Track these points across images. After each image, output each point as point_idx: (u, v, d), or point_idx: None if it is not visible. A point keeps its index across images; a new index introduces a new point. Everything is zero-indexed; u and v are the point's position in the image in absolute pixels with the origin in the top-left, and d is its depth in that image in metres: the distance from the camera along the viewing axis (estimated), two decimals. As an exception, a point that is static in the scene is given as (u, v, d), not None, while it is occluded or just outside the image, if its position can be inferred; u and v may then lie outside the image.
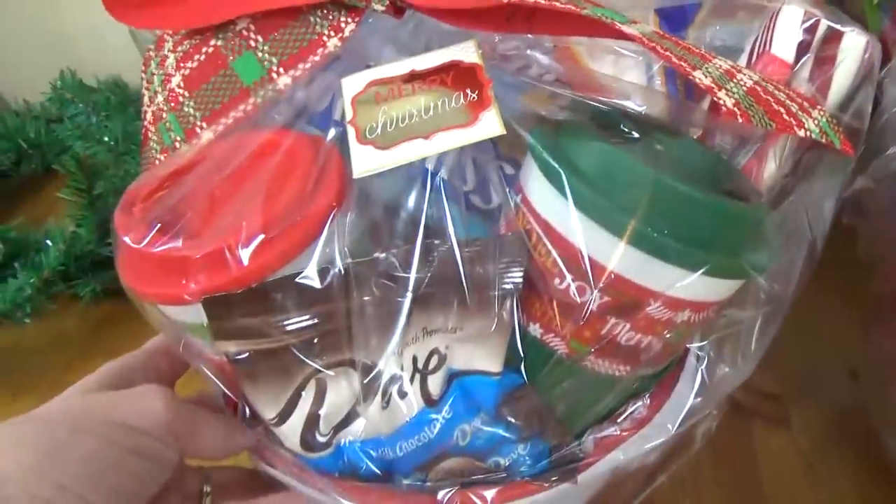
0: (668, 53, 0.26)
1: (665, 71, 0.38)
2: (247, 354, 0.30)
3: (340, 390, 0.31)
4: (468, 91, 0.30)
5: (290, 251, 0.29)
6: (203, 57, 0.35)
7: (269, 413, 0.31)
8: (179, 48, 0.35)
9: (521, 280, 0.29)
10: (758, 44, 0.33)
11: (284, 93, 0.34)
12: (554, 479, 0.30)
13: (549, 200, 0.28)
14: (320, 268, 0.29)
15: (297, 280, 0.29)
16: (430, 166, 0.31)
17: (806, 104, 0.28)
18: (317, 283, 0.29)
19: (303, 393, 0.31)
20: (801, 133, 0.27)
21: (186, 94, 0.35)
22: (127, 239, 0.30)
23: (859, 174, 0.32)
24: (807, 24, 0.31)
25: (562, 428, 0.31)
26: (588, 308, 0.28)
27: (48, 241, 0.59)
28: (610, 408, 0.31)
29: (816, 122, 0.28)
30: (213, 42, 0.34)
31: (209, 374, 0.33)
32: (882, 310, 0.37)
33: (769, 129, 0.27)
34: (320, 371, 0.31)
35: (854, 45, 0.31)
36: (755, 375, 0.34)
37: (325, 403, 0.31)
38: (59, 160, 0.65)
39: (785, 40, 0.32)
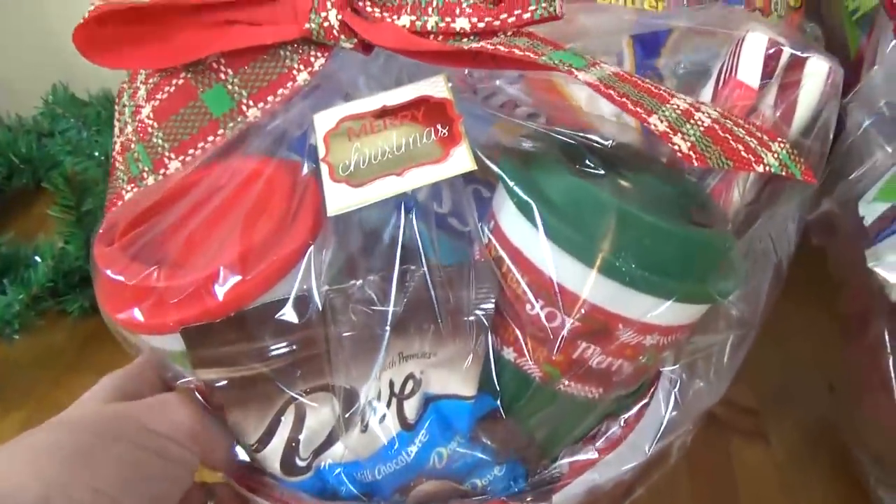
0: (623, 100, 0.27)
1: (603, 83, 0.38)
2: (226, 382, 0.31)
3: (320, 415, 0.32)
4: (439, 127, 0.31)
5: (267, 283, 0.30)
6: (173, 89, 0.35)
7: (250, 439, 0.32)
8: (150, 80, 0.36)
9: (493, 306, 0.30)
10: (724, 69, 0.33)
11: (254, 124, 0.35)
12: (529, 499, 0.31)
13: (519, 229, 0.29)
14: (297, 296, 0.30)
15: (276, 307, 0.30)
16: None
17: (765, 138, 0.29)
18: (293, 317, 0.30)
19: (282, 418, 0.32)
20: (760, 169, 0.28)
21: (156, 124, 0.35)
22: (108, 271, 0.31)
23: (825, 196, 0.33)
24: (771, 51, 0.32)
25: (537, 450, 0.31)
26: (561, 334, 0.28)
27: (37, 258, 0.59)
28: (585, 429, 0.32)
29: (776, 155, 0.28)
30: (183, 75, 0.35)
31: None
32: (850, 329, 0.38)
33: (727, 168, 0.28)
34: (299, 397, 0.32)
35: (817, 71, 0.32)
36: (733, 390, 0.35)
37: (305, 428, 0.32)
38: (49, 175, 0.65)
39: (750, 66, 0.32)
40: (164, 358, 0.33)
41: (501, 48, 0.28)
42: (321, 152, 0.31)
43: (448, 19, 0.30)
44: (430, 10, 0.30)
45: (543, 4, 0.29)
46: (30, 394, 0.57)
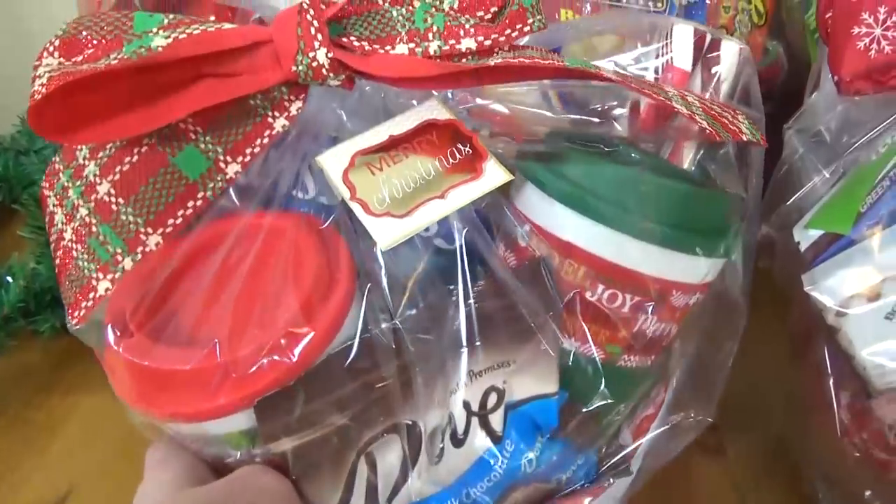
0: (646, 90, 0.30)
1: (559, 95, 0.42)
2: (295, 450, 0.29)
3: (389, 459, 0.31)
4: (460, 146, 0.31)
5: (331, 333, 0.29)
6: (136, 158, 0.32)
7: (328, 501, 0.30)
8: (101, 154, 0.32)
9: (554, 302, 0.31)
10: (660, 59, 0.38)
11: (235, 181, 0.33)
12: (611, 479, 0.33)
13: (566, 222, 0.30)
14: (362, 339, 0.29)
15: (343, 355, 0.29)
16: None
17: (733, 112, 0.34)
18: (364, 361, 0.29)
19: (356, 474, 0.30)
20: (744, 138, 0.32)
21: (121, 200, 0.31)
22: (139, 360, 0.27)
23: (764, 222, 0.37)
24: (696, 39, 0.38)
25: (607, 430, 0.33)
26: (623, 312, 0.30)
27: (9, 278, 0.58)
28: (643, 398, 0.34)
29: (745, 126, 0.33)
30: (146, 141, 0.32)
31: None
32: (797, 348, 0.40)
33: (727, 140, 0.32)
34: (368, 446, 0.30)
35: (730, 49, 0.38)
36: (695, 404, 0.36)
37: (380, 476, 0.31)
38: (26, 194, 0.65)
39: (682, 53, 0.37)
40: (211, 443, 0.29)
41: (524, 60, 0.30)
42: (344, 192, 0.30)
43: (452, 41, 0.30)
44: (430, 35, 0.31)
45: (539, 17, 0.31)
46: (2, 413, 0.56)
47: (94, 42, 0.31)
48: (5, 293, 0.57)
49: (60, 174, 0.33)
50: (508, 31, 0.31)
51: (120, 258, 0.31)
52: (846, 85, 0.32)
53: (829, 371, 0.34)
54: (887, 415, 0.32)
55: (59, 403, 0.57)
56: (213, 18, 0.36)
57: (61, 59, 0.30)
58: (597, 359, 0.32)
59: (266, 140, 0.32)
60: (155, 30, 0.31)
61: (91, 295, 0.30)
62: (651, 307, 0.31)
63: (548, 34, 0.43)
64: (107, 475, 0.52)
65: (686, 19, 0.58)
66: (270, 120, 0.32)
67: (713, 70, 0.38)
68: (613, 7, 0.58)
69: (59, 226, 0.32)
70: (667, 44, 0.37)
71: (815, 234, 0.33)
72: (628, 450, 0.33)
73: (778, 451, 0.47)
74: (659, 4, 0.58)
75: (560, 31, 0.43)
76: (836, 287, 0.32)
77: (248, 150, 0.32)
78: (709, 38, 0.37)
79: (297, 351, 0.27)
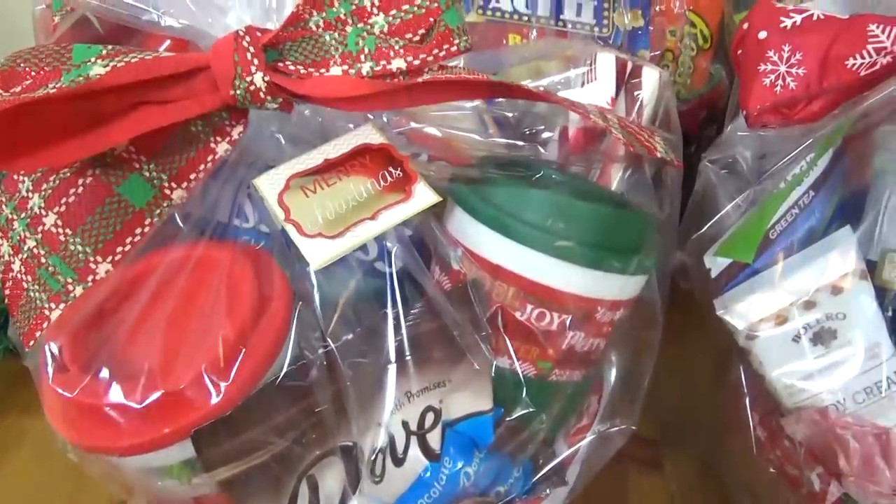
0: (573, 106, 0.32)
1: (494, 119, 0.43)
2: (235, 478, 0.29)
3: (330, 480, 0.32)
4: (391, 169, 0.32)
5: (268, 361, 0.29)
6: (81, 189, 0.32)
7: (273, 529, 0.31)
8: (44, 186, 0.33)
9: (483, 323, 0.32)
10: (584, 80, 0.40)
11: (181, 207, 0.33)
12: (548, 490, 0.34)
13: (495, 246, 0.32)
14: (299, 364, 0.30)
15: (280, 383, 0.29)
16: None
17: (649, 132, 0.36)
18: (299, 384, 0.30)
19: (297, 497, 0.31)
20: (658, 155, 0.34)
21: (69, 231, 0.32)
22: (75, 395, 0.28)
23: (679, 249, 0.38)
24: (618, 65, 0.39)
25: (543, 442, 0.34)
26: (552, 330, 0.32)
27: None
28: (575, 410, 0.36)
29: (661, 145, 0.35)
30: (89, 172, 0.32)
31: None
32: (717, 369, 0.40)
33: (644, 155, 0.34)
34: (309, 469, 0.31)
35: (650, 75, 0.40)
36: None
37: (322, 498, 0.31)
38: None
39: (606, 80, 0.39)
40: (152, 475, 0.30)
41: (451, 76, 0.31)
42: (279, 214, 0.31)
43: (384, 62, 0.32)
44: (362, 57, 0.32)
45: (465, 38, 0.32)
46: None
47: (33, 73, 0.31)
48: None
49: (3, 206, 0.33)
50: (436, 51, 0.33)
51: (71, 287, 0.31)
52: (753, 118, 0.34)
53: (745, 391, 0.36)
54: (797, 432, 0.34)
55: (11, 425, 0.57)
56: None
57: (1, 91, 0.31)
58: (529, 375, 0.33)
59: (210, 164, 0.33)
60: (93, 59, 0.31)
61: (44, 324, 0.31)
62: (578, 324, 0.32)
63: (492, 57, 0.45)
64: (59, 496, 0.52)
65: (631, 44, 0.60)
66: (213, 145, 0.33)
67: (636, 94, 0.40)
68: (559, 32, 0.60)
69: (6, 258, 0.33)
70: (591, 69, 0.39)
71: (725, 261, 0.34)
72: (561, 457, 0.35)
73: (711, 466, 0.49)
74: (605, 30, 0.61)
75: (503, 56, 0.45)
76: (745, 311, 0.34)
77: (193, 176, 0.33)
78: (630, 65, 0.39)
79: (232, 380, 0.28)
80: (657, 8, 0.62)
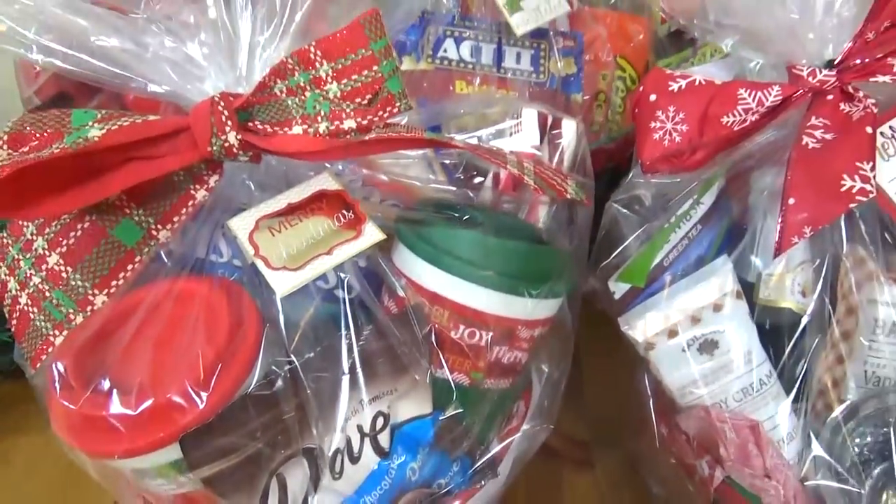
0: (487, 156, 0.39)
1: (441, 165, 0.50)
2: (216, 475, 0.35)
3: (296, 477, 0.37)
4: (344, 212, 0.39)
5: (241, 376, 0.35)
6: (80, 232, 0.38)
7: (246, 518, 0.36)
8: (47, 230, 0.38)
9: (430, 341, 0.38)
10: (511, 132, 0.47)
11: (166, 245, 0.39)
12: (483, 481, 0.40)
13: (432, 277, 0.38)
14: (268, 379, 0.36)
15: (252, 394, 0.35)
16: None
17: (562, 176, 0.42)
18: (267, 393, 0.36)
19: (269, 492, 0.37)
20: (569, 196, 0.41)
21: (69, 269, 0.38)
22: (79, 407, 0.33)
23: (590, 276, 0.44)
24: (540, 119, 0.46)
25: (477, 440, 0.40)
26: (481, 346, 0.38)
27: None
28: (505, 413, 0.42)
29: (572, 187, 0.42)
30: (87, 218, 0.38)
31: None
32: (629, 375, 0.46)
33: (553, 196, 0.40)
34: (279, 467, 0.37)
35: (569, 127, 0.47)
36: (567, 423, 0.44)
37: (289, 493, 0.37)
38: None
39: (530, 131, 0.46)
40: (144, 475, 0.35)
41: (393, 134, 0.37)
42: (249, 250, 0.37)
43: (337, 122, 0.38)
44: (319, 118, 0.38)
45: (405, 101, 0.39)
46: None
47: (38, 135, 0.37)
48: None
49: (10, 248, 0.39)
50: (381, 112, 0.39)
51: (72, 316, 0.37)
52: (647, 167, 0.41)
53: (649, 394, 0.43)
54: (689, 427, 0.40)
55: (1, 442, 0.62)
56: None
57: (10, 151, 0.36)
58: (463, 384, 0.39)
59: (190, 208, 0.39)
60: (90, 123, 0.37)
61: (49, 349, 0.36)
62: (501, 340, 0.39)
63: (440, 108, 0.51)
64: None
65: (565, 88, 0.67)
66: (193, 192, 0.39)
67: (557, 143, 0.47)
68: (501, 79, 0.67)
69: (14, 292, 0.38)
70: (518, 122, 0.46)
71: (626, 287, 0.41)
72: (493, 453, 0.41)
73: (634, 463, 0.54)
74: (541, 76, 0.68)
75: (449, 107, 0.52)
76: (643, 327, 0.40)
77: (176, 219, 0.39)
78: (551, 118, 0.46)
79: (211, 391, 0.33)
80: (587, 57, 0.69)
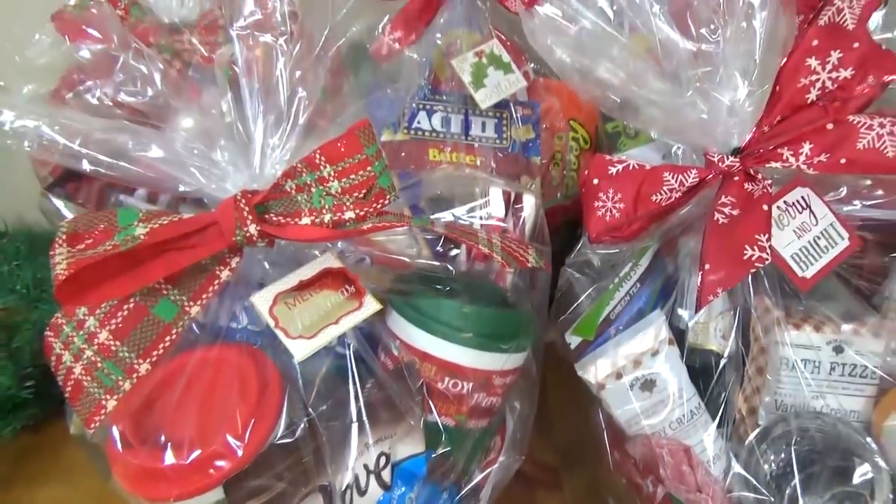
0: (460, 237, 0.47)
1: (425, 240, 0.58)
2: (252, 509, 0.43)
3: (314, 510, 0.45)
4: (347, 287, 0.47)
5: (271, 430, 0.43)
6: (126, 312, 0.45)
7: (273, 546, 0.44)
8: (98, 311, 0.46)
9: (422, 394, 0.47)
10: (480, 212, 0.55)
11: (197, 319, 0.47)
12: (467, 505, 0.48)
13: (420, 339, 0.46)
14: (290, 429, 0.44)
15: (277, 442, 0.43)
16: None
17: (524, 247, 0.51)
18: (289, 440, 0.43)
19: (292, 523, 0.44)
20: (530, 265, 0.50)
21: (117, 343, 0.45)
22: (139, 461, 0.41)
23: (550, 329, 0.53)
24: (505, 196, 0.55)
25: (463, 472, 0.49)
26: (463, 394, 0.47)
27: None
28: (484, 447, 0.50)
29: (533, 256, 0.51)
30: (131, 300, 0.46)
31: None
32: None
33: (516, 267, 0.49)
34: (300, 502, 0.45)
35: (529, 201, 0.56)
36: (538, 451, 0.51)
37: (308, 524, 0.45)
38: None
39: (496, 207, 0.55)
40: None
41: (385, 223, 0.46)
42: (271, 322, 0.45)
43: (339, 213, 0.46)
44: (324, 210, 0.46)
45: (393, 193, 0.47)
46: None
47: (91, 234, 0.45)
48: (-30, 403, 0.65)
49: (64, 326, 0.46)
50: (375, 204, 0.47)
51: (121, 383, 0.44)
52: (593, 239, 0.50)
53: (603, 426, 0.51)
54: (636, 453, 0.49)
55: (21, 493, 0.68)
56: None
57: (69, 248, 0.44)
58: (450, 425, 0.48)
59: (216, 287, 0.46)
60: (135, 223, 0.45)
61: (102, 412, 0.43)
62: (479, 388, 0.47)
63: (420, 189, 0.60)
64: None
65: (525, 152, 0.77)
66: (218, 273, 0.47)
67: (520, 214, 0.56)
68: (469, 145, 0.76)
69: (68, 363, 0.45)
70: (487, 200, 0.55)
71: (578, 339, 0.50)
72: (475, 482, 0.49)
73: (601, 487, 0.60)
74: (504, 142, 0.77)
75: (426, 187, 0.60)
76: (594, 371, 0.49)
77: (205, 296, 0.46)
78: (513, 194, 0.55)
79: (247, 442, 0.41)
80: (544, 125, 0.79)
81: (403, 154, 0.75)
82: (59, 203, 0.74)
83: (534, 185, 0.76)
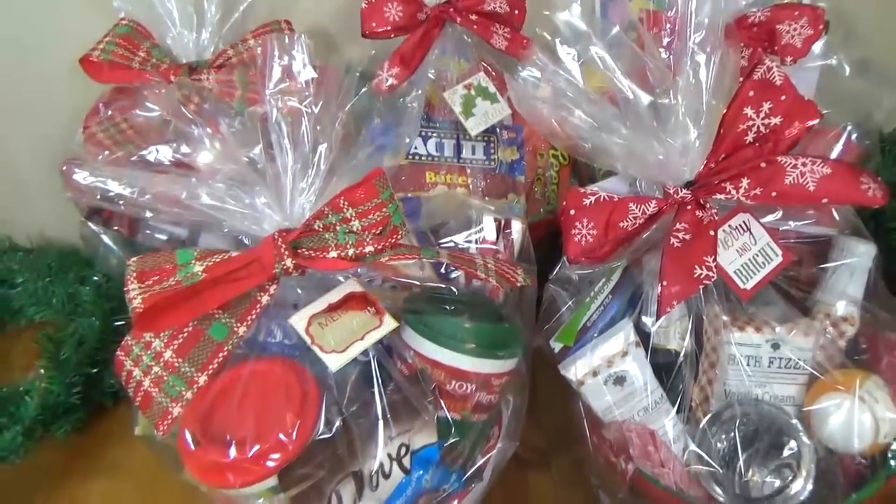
0: (460, 265, 0.57)
1: (431, 265, 0.68)
2: (299, 493, 0.53)
3: (348, 492, 0.55)
4: (368, 308, 0.56)
5: (311, 428, 0.53)
6: (186, 334, 0.55)
7: (315, 524, 0.54)
8: (162, 334, 0.55)
9: (428, 394, 0.56)
10: (476, 237, 0.65)
11: (244, 338, 0.56)
12: (473, 484, 0.58)
13: (431, 349, 0.56)
14: (328, 426, 0.53)
15: (318, 438, 0.53)
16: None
17: (514, 268, 0.61)
18: (328, 436, 0.53)
19: (331, 502, 0.54)
20: (519, 283, 0.59)
21: (180, 359, 0.55)
22: (208, 457, 0.50)
23: (536, 336, 0.63)
24: (496, 222, 0.65)
25: (468, 457, 0.59)
26: (467, 394, 0.57)
27: (27, 398, 0.76)
28: (485, 437, 0.60)
29: (521, 275, 0.60)
30: (190, 324, 0.55)
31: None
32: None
33: (507, 289, 0.59)
34: (336, 486, 0.55)
35: (517, 227, 0.66)
36: (530, 435, 0.61)
37: (344, 501, 0.55)
38: (39, 337, 0.82)
39: (489, 232, 0.65)
40: (249, 498, 0.52)
41: (400, 255, 0.55)
42: (307, 339, 0.54)
43: (361, 248, 0.55)
44: (347, 245, 0.55)
45: (405, 230, 0.57)
46: (31, 500, 0.76)
47: (156, 272, 0.54)
48: (25, 409, 0.76)
49: (133, 347, 0.55)
50: (391, 239, 0.57)
51: (184, 393, 0.53)
52: (571, 261, 0.60)
53: (583, 415, 0.61)
54: (610, 436, 0.59)
55: (78, 486, 0.77)
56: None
57: (139, 284, 0.53)
58: (457, 419, 0.58)
59: (259, 310, 0.56)
60: (192, 261, 0.54)
61: (169, 417, 0.53)
62: (481, 389, 0.57)
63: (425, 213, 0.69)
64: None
65: (510, 172, 0.86)
66: (259, 298, 0.56)
67: (510, 238, 0.66)
68: (461, 167, 0.85)
69: (137, 378, 0.54)
70: (481, 227, 0.65)
71: (560, 344, 0.60)
72: (478, 465, 0.59)
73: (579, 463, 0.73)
74: (492, 163, 0.87)
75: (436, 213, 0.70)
76: (575, 370, 0.59)
77: (249, 318, 0.56)
78: (503, 220, 0.65)
79: (294, 439, 0.51)
80: (527, 148, 0.88)
81: (403, 178, 0.85)
82: (97, 228, 0.83)
83: (519, 201, 0.86)
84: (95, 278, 0.89)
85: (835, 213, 0.61)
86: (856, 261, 0.61)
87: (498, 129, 0.86)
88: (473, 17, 0.84)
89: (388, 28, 0.84)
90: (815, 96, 0.82)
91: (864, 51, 0.83)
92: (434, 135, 0.86)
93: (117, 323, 0.83)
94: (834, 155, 0.74)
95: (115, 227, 0.83)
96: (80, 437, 0.82)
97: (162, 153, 0.56)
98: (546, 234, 0.80)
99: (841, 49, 0.83)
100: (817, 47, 0.79)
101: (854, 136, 0.76)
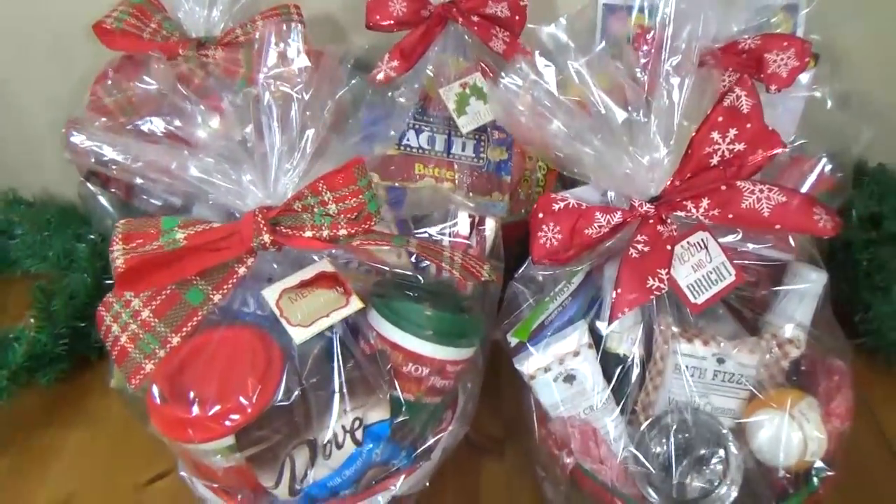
0: (426, 255, 0.60)
1: (407, 253, 0.71)
2: (254, 454, 0.56)
3: (302, 457, 0.59)
4: (337, 287, 0.60)
5: (272, 393, 0.56)
6: (164, 297, 0.58)
7: (269, 482, 0.57)
8: (141, 295, 0.59)
9: (389, 375, 0.60)
10: (450, 231, 0.68)
11: (218, 304, 0.60)
12: (422, 461, 0.62)
13: (392, 332, 0.60)
14: (286, 394, 0.57)
15: (277, 404, 0.56)
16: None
17: (481, 263, 0.64)
18: (286, 403, 0.57)
19: (284, 467, 0.58)
20: (483, 278, 0.63)
21: (156, 320, 0.58)
22: (172, 412, 0.54)
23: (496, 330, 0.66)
24: (471, 218, 0.68)
25: (419, 436, 0.62)
26: (423, 376, 0.60)
27: (15, 344, 0.81)
28: (437, 418, 0.64)
29: (487, 271, 0.64)
30: (168, 288, 0.58)
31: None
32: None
33: (473, 282, 0.62)
34: (291, 450, 0.58)
35: (490, 223, 0.69)
36: (486, 421, 0.65)
37: (297, 467, 0.58)
38: (33, 289, 0.86)
39: (463, 227, 0.68)
40: (207, 454, 0.56)
41: (371, 240, 0.59)
42: (277, 312, 0.58)
43: (335, 230, 0.59)
44: (322, 227, 0.59)
45: (379, 216, 0.60)
46: (12, 441, 0.81)
47: (140, 235, 0.58)
48: (13, 354, 0.80)
49: (114, 304, 0.59)
50: (364, 224, 0.60)
51: (157, 351, 0.57)
52: (535, 261, 0.63)
53: (533, 408, 0.65)
54: (555, 431, 0.63)
55: (56, 433, 0.81)
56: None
57: (124, 245, 0.57)
58: (410, 400, 0.61)
59: (235, 280, 0.59)
60: (176, 228, 0.58)
61: (142, 372, 0.56)
62: (436, 373, 0.60)
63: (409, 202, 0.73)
64: (97, 486, 0.76)
65: (497, 171, 0.89)
66: (237, 269, 0.59)
67: (483, 234, 0.69)
68: (449, 163, 0.88)
69: (115, 333, 0.58)
70: (456, 221, 0.68)
71: (517, 339, 0.64)
72: (428, 444, 0.63)
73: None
74: (481, 161, 0.90)
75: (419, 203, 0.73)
76: (528, 365, 0.62)
77: (225, 287, 0.59)
78: (477, 217, 0.68)
79: (254, 402, 0.55)
80: (516, 149, 0.91)
81: (393, 167, 0.88)
82: (94, 189, 0.87)
83: (503, 200, 0.89)
84: (91, 237, 0.92)
85: (791, 240, 0.64)
86: (807, 287, 0.64)
87: (489, 129, 0.89)
88: (475, 18, 0.87)
89: (392, 22, 0.87)
90: (799, 126, 0.86)
91: (850, 84, 0.86)
92: (427, 128, 0.89)
93: (108, 282, 0.87)
94: (808, 184, 0.76)
95: (113, 190, 0.87)
96: (62, 387, 0.86)
97: (156, 124, 0.59)
98: (525, 234, 0.83)
99: (828, 82, 0.85)
100: (804, 78, 0.82)
101: (828, 168, 0.78)
